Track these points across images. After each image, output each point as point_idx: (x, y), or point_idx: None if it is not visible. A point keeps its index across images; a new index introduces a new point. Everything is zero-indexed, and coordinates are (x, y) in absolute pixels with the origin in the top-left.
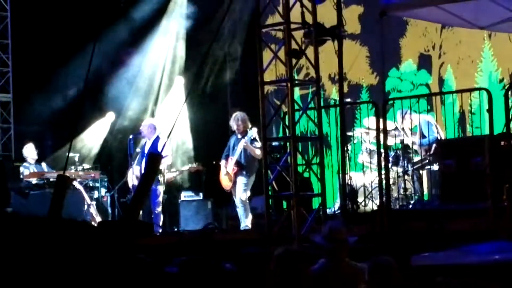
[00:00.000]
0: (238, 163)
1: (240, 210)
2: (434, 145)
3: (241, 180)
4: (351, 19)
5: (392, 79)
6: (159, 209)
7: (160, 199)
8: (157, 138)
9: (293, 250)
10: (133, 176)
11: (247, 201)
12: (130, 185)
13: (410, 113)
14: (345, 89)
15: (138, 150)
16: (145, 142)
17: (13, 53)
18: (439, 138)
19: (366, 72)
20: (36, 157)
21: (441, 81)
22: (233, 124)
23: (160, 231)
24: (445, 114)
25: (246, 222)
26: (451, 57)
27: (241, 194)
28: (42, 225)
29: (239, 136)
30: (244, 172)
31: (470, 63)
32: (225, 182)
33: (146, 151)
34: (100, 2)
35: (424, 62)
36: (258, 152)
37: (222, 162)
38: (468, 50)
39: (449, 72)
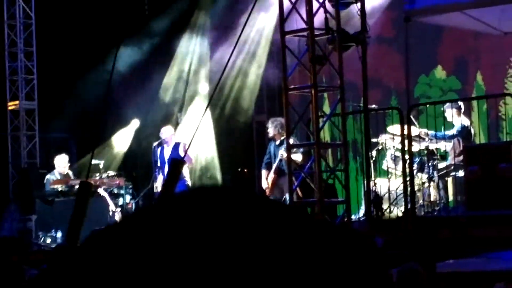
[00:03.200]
0: (279, 170)
1: None
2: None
3: (285, 180)
4: (386, 24)
5: (422, 85)
6: None
7: None
8: (177, 144)
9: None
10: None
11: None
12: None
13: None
14: (379, 95)
15: (158, 164)
16: (162, 149)
17: (38, 61)
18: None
19: (400, 78)
20: (66, 170)
21: (476, 88)
22: (272, 130)
23: None
24: (477, 120)
25: None
26: (486, 63)
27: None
28: None
29: (277, 143)
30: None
31: (503, 69)
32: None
33: (166, 157)
34: (124, 10)
35: (460, 67)
36: (298, 158)
37: (263, 173)
38: (501, 56)
39: (482, 77)
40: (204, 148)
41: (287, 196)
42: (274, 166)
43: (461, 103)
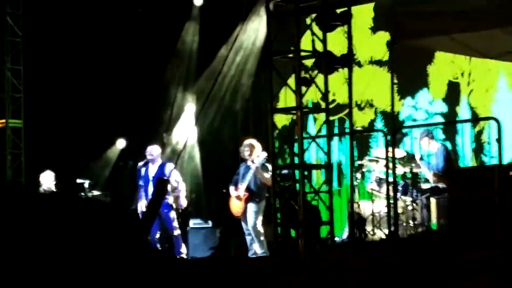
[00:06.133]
0: (248, 189)
1: (250, 238)
2: (439, 173)
3: (252, 208)
4: (379, 45)
5: (408, 108)
6: (177, 232)
7: (176, 223)
8: (164, 164)
9: None
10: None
11: (260, 228)
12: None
13: (431, 138)
14: (372, 116)
15: (141, 183)
16: (147, 168)
17: (25, 79)
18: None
19: (388, 100)
20: (52, 187)
21: (462, 111)
22: (244, 151)
23: (184, 255)
24: (462, 143)
25: (256, 248)
26: (474, 86)
27: (252, 221)
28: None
29: (249, 164)
30: (255, 199)
31: (487, 91)
32: (236, 208)
33: (150, 176)
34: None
35: (447, 90)
36: (268, 177)
37: (231, 188)
38: (488, 79)
39: (468, 101)
40: (189, 168)
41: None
42: (244, 184)
43: (432, 130)
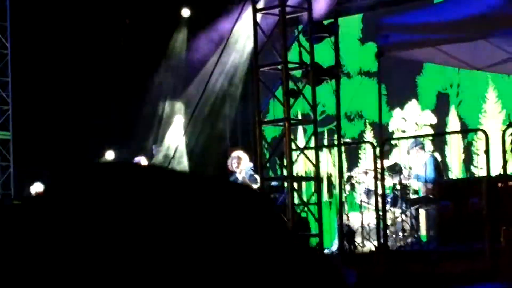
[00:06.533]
0: None
1: None
2: (430, 184)
3: None
4: (368, 56)
5: (396, 119)
6: None
7: None
8: None
9: None
10: None
11: None
12: None
13: (421, 149)
14: (362, 127)
15: None
16: None
17: (13, 91)
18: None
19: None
20: None
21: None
22: (231, 163)
23: None
24: (451, 154)
25: None
26: (463, 97)
27: None
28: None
29: (237, 175)
30: None
31: (476, 102)
32: None
33: None
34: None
35: (436, 101)
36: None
37: None
38: (477, 90)
39: (457, 112)
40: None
41: None
42: None
43: (422, 140)
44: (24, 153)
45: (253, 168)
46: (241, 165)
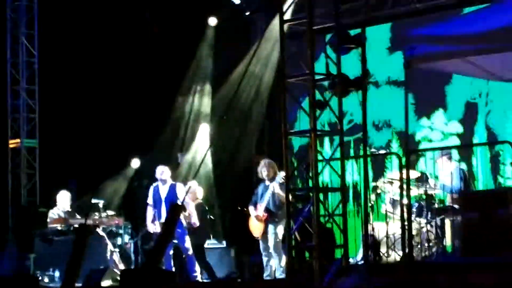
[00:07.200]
0: (267, 210)
1: (266, 259)
2: (456, 194)
3: (271, 229)
4: (396, 65)
5: (424, 128)
6: (190, 252)
7: (188, 243)
8: (174, 185)
9: None
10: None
11: (281, 249)
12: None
13: (448, 158)
14: (390, 136)
15: (149, 202)
16: (157, 187)
17: (41, 99)
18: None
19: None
20: (68, 207)
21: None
22: (261, 171)
23: (198, 275)
24: (477, 164)
25: (274, 266)
26: (491, 108)
27: (273, 242)
28: None
29: (267, 183)
30: (274, 220)
31: (504, 112)
32: (256, 230)
33: (162, 196)
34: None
35: (463, 111)
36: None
37: (251, 209)
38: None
39: (490, 121)
40: (204, 186)
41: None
42: (262, 205)
43: (450, 150)
44: (50, 160)
45: (283, 177)
46: (271, 172)
